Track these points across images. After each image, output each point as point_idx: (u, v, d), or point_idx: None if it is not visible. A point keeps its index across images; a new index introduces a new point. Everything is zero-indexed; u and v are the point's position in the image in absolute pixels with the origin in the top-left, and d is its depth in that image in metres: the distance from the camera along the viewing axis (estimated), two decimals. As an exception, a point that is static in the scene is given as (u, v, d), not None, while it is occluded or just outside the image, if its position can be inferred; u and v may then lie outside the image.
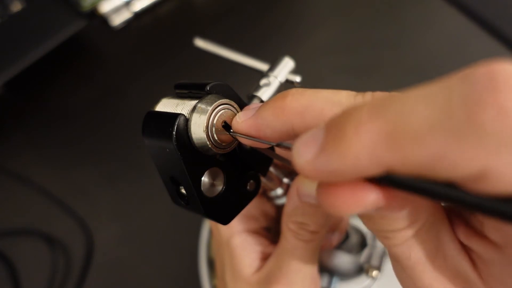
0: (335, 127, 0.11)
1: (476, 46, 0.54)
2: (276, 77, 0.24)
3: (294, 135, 0.16)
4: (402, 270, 0.16)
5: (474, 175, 0.09)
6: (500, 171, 0.09)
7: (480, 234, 0.14)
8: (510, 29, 0.52)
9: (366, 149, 0.10)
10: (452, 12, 0.56)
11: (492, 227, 0.13)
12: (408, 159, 0.10)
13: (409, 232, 0.14)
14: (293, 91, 0.15)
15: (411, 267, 0.15)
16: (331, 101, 0.15)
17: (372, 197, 0.12)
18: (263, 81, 0.24)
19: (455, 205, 0.13)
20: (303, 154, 0.12)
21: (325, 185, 0.12)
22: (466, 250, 0.15)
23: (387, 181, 0.11)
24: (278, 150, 0.21)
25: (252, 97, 0.23)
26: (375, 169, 0.11)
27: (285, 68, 0.24)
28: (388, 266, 0.34)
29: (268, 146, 0.17)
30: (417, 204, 0.13)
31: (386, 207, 0.12)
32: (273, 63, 0.25)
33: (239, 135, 0.17)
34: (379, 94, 0.14)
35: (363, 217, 0.15)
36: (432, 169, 0.10)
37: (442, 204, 0.15)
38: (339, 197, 0.12)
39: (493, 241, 0.13)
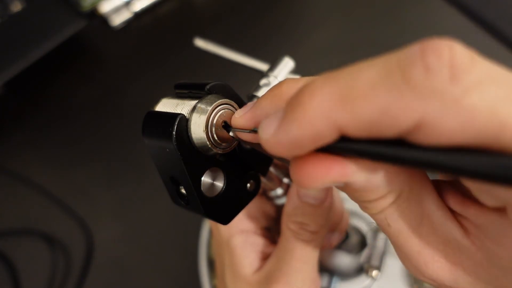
0: (292, 99, 0.13)
1: (476, 46, 0.53)
2: (276, 77, 0.24)
3: None
4: (388, 239, 0.17)
5: (413, 126, 0.11)
6: (433, 117, 0.10)
7: (472, 201, 0.14)
8: (510, 29, 0.52)
9: (320, 111, 0.12)
10: (452, 12, 0.56)
11: (482, 191, 0.13)
12: (358, 116, 0.11)
13: (384, 202, 0.15)
14: (289, 79, 0.16)
15: (393, 235, 0.16)
16: None
17: (336, 170, 0.13)
18: (263, 81, 0.24)
19: (406, 167, 0.14)
20: (266, 130, 0.13)
21: (295, 162, 0.13)
22: (458, 218, 0.15)
23: (342, 148, 0.12)
24: None
25: (252, 97, 0.23)
26: (330, 133, 0.12)
27: (285, 68, 0.24)
28: (388, 266, 0.34)
29: None
30: (388, 175, 0.14)
31: (351, 180, 0.13)
32: (273, 63, 0.25)
33: (239, 130, 0.17)
34: None
35: (341, 189, 0.16)
36: (379, 124, 0.11)
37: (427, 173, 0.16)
38: (306, 173, 0.13)
39: (487, 205, 0.14)
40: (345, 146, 0.12)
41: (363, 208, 0.16)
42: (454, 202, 0.15)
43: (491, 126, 0.10)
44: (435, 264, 0.15)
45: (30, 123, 0.59)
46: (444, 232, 0.15)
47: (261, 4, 0.65)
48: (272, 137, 0.13)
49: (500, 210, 0.13)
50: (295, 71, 0.25)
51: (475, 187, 0.13)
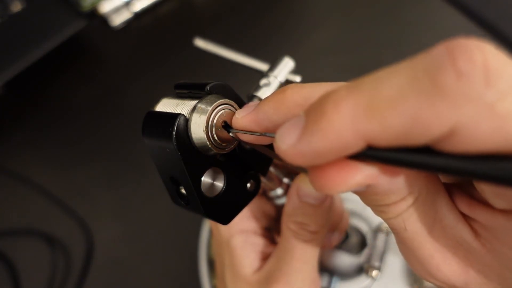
0: (314, 109, 0.12)
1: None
2: (276, 77, 0.24)
3: None
4: (401, 243, 0.16)
5: (446, 133, 0.10)
6: (467, 124, 0.10)
7: (482, 204, 0.14)
8: (510, 29, 0.52)
9: (346, 123, 0.11)
10: (452, 12, 0.56)
11: (495, 194, 0.13)
12: (387, 126, 0.11)
13: (403, 206, 0.14)
14: (293, 85, 0.16)
15: (409, 239, 0.15)
16: None
17: (360, 174, 0.12)
18: (263, 81, 0.24)
19: (434, 173, 0.13)
20: (285, 139, 0.12)
21: (315, 168, 0.13)
22: (467, 220, 0.15)
23: (369, 156, 0.12)
24: None
25: (252, 97, 0.23)
26: (357, 143, 0.11)
27: (285, 68, 0.24)
28: (388, 266, 0.34)
29: (270, 140, 0.17)
30: (408, 178, 0.14)
31: (375, 183, 0.13)
32: (273, 63, 0.25)
33: (240, 131, 0.17)
34: None
35: (357, 194, 0.15)
36: (409, 134, 0.11)
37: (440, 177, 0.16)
38: (329, 177, 0.12)
39: (497, 208, 0.14)
40: (371, 154, 0.12)
41: (379, 212, 0.15)
42: (464, 205, 0.15)
43: None
44: (447, 267, 0.15)
45: (30, 123, 0.59)
46: (455, 235, 0.15)
47: (261, 4, 0.65)
48: (292, 147, 0.12)
49: (509, 213, 0.13)
50: (295, 71, 0.25)
51: (489, 190, 0.13)
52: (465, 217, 0.15)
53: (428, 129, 0.10)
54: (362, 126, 0.11)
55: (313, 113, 0.12)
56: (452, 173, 0.11)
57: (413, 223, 0.15)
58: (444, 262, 0.15)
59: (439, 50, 0.10)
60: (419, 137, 0.11)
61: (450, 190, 0.16)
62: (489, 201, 0.14)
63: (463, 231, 0.15)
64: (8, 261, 0.47)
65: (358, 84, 0.11)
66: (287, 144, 0.12)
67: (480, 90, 0.10)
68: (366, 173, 0.12)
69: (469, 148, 0.10)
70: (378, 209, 0.15)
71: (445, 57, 0.10)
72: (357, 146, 0.11)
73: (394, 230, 0.16)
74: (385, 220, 0.16)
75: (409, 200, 0.14)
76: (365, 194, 0.15)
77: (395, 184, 0.13)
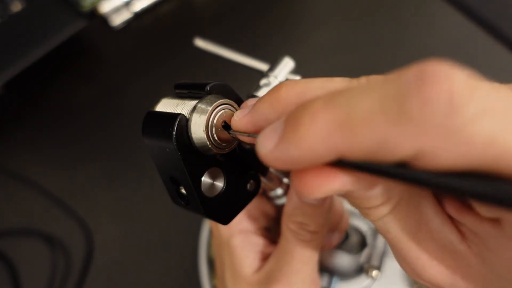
0: (292, 118, 0.13)
1: (476, 46, 0.54)
2: (276, 77, 0.24)
3: None
4: (388, 244, 0.17)
5: (412, 155, 0.11)
6: (432, 150, 0.10)
7: (469, 209, 0.15)
8: (510, 29, 0.52)
9: (320, 137, 0.12)
10: (452, 12, 0.56)
11: (481, 204, 0.13)
12: (357, 144, 0.11)
13: (383, 210, 0.15)
14: (287, 82, 0.16)
15: (393, 241, 0.16)
16: (326, 88, 0.15)
17: (337, 180, 0.13)
18: (263, 81, 0.24)
19: (406, 185, 0.14)
20: (264, 145, 0.13)
21: (297, 172, 0.13)
22: (455, 223, 0.15)
23: (344, 164, 0.12)
24: None
25: (252, 97, 0.23)
26: (328, 155, 0.12)
27: (285, 68, 0.24)
28: (388, 266, 0.34)
29: None
30: (387, 184, 0.14)
31: (352, 189, 0.13)
32: (273, 63, 0.25)
33: (239, 133, 0.17)
34: (374, 78, 0.14)
35: (342, 196, 0.16)
36: (378, 152, 0.11)
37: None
38: (307, 182, 0.13)
39: (484, 217, 0.14)
40: (346, 162, 0.12)
41: (364, 214, 0.16)
42: (452, 209, 0.15)
43: (490, 154, 0.10)
44: (433, 268, 0.15)
45: (30, 123, 0.59)
46: (441, 237, 0.15)
47: (261, 4, 0.65)
48: (270, 153, 0.13)
49: (495, 221, 0.13)
50: (295, 71, 0.25)
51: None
52: (453, 220, 0.15)
53: (395, 151, 0.11)
54: (334, 141, 0.11)
55: (291, 121, 0.13)
56: (422, 186, 0.11)
57: (395, 226, 0.15)
58: (430, 263, 0.15)
59: (408, 75, 0.11)
60: (387, 157, 0.11)
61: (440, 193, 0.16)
62: (476, 208, 0.14)
63: (450, 234, 0.15)
64: (8, 261, 0.47)
65: (335, 98, 0.12)
66: (266, 149, 0.13)
67: (444, 118, 0.10)
68: (343, 179, 0.13)
69: (438, 167, 0.11)
70: (362, 211, 0.16)
71: (412, 84, 0.10)
72: (328, 157, 0.12)
73: (379, 231, 0.16)
74: (370, 221, 0.16)
75: (390, 204, 0.15)
76: (347, 197, 0.15)
77: (373, 190, 0.14)
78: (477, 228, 0.14)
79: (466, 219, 0.15)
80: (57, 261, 0.47)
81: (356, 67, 0.54)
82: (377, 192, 0.14)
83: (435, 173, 0.11)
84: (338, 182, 0.13)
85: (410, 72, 0.11)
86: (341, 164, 0.12)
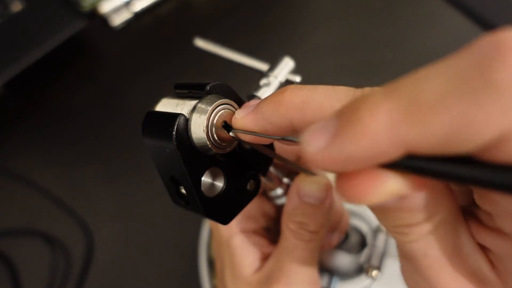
0: (348, 113, 0.11)
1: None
2: (276, 77, 0.24)
3: (293, 131, 0.16)
4: (414, 271, 0.15)
5: (494, 140, 0.09)
6: None
7: (492, 230, 0.14)
8: (510, 29, 0.52)
9: (384, 128, 0.10)
10: (452, 12, 0.56)
11: (504, 214, 0.12)
12: (430, 132, 0.10)
13: (427, 227, 0.13)
14: (292, 86, 0.16)
15: (427, 266, 0.14)
16: (330, 96, 0.15)
17: (394, 183, 0.11)
18: (263, 81, 0.24)
19: (471, 185, 0.12)
20: (314, 143, 0.11)
21: (344, 175, 0.12)
22: (483, 250, 0.15)
23: (405, 165, 0.11)
24: (279, 148, 0.20)
25: (252, 97, 0.23)
26: (395, 151, 0.10)
27: (285, 68, 0.24)
28: (388, 266, 0.34)
29: (270, 141, 0.17)
30: (436, 197, 0.13)
31: (407, 195, 0.12)
32: (273, 63, 0.25)
33: (240, 131, 0.17)
34: (385, 86, 0.14)
35: (379, 211, 0.14)
36: (453, 140, 0.10)
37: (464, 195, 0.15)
38: (359, 186, 0.11)
39: (506, 232, 0.13)
40: (405, 164, 0.11)
41: (398, 234, 0.14)
42: (478, 233, 0.14)
43: None
44: None
45: (30, 123, 0.59)
46: (472, 264, 0.14)
47: (261, 4, 0.65)
48: (322, 152, 0.11)
49: None
50: (295, 71, 0.25)
51: (501, 212, 0.12)
52: (481, 247, 0.15)
53: (475, 135, 0.09)
54: (402, 132, 0.10)
55: (346, 117, 0.11)
56: (496, 188, 0.10)
57: (434, 249, 0.14)
58: None
59: (483, 46, 0.09)
60: (463, 145, 0.10)
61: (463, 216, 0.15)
62: (499, 224, 0.13)
63: (480, 261, 0.14)
64: (8, 261, 0.47)
65: (395, 88, 0.10)
66: (316, 148, 0.11)
67: None
68: (400, 183, 0.11)
69: None
70: (398, 230, 0.14)
71: (496, 50, 0.09)
72: (394, 153, 0.10)
73: (412, 256, 0.14)
74: (403, 244, 0.14)
75: (434, 222, 0.13)
76: (389, 210, 0.13)
77: (425, 200, 0.12)
78: (498, 248, 0.14)
79: (488, 240, 0.14)
80: (57, 261, 0.47)
81: (356, 67, 0.54)
82: (423, 205, 0.13)
83: (506, 168, 0.09)
84: (395, 185, 0.11)
85: (484, 43, 0.09)
86: (402, 165, 0.11)
